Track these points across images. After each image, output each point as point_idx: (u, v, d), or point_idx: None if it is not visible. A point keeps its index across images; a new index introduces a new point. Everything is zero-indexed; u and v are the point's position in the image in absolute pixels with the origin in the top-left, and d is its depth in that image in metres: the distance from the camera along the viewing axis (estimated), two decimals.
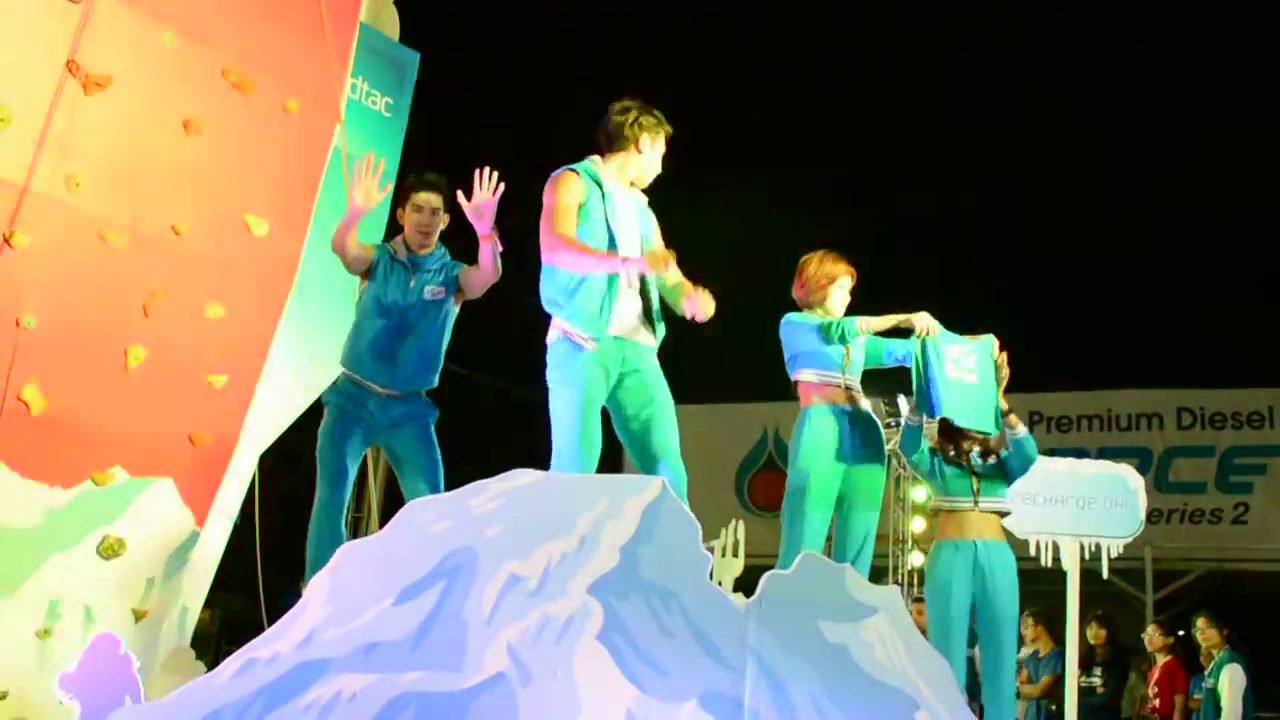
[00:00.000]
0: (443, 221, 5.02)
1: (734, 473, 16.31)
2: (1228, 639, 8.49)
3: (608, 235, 4.34)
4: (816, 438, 5.15)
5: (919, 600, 10.03)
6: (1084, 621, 8.18)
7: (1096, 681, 9.01)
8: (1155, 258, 17.83)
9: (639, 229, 4.49)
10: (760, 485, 15.94)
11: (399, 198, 5.12)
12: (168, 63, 4.78)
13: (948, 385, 5.24)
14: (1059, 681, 8.75)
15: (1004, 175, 17.84)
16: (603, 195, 4.38)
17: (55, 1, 4.48)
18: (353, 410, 4.89)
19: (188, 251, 4.84)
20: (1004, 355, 5.44)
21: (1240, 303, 17.06)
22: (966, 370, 5.30)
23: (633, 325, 4.39)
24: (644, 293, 4.43)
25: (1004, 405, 5.43)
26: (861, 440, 5.20)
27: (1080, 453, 11.91)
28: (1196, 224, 17.37)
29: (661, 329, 4.50)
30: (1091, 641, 9.28)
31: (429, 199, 4.97)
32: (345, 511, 5.09)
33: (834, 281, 5.34)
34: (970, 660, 6.11)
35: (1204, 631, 8.56)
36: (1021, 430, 5.49)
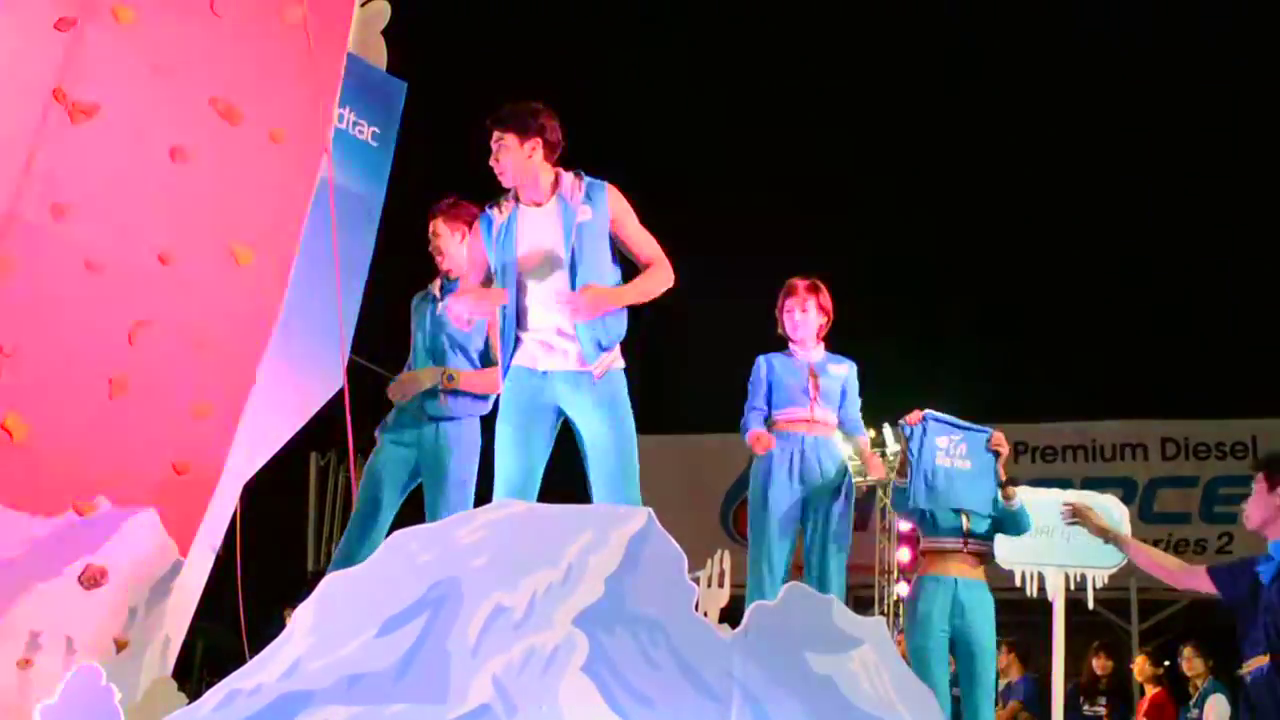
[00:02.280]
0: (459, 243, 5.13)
1: (719, 503, 16.30)
2: (1213, 670, 8.48)
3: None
4: (766, 468, 5.21)
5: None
6: (1069, 651, 8.18)
7: (1101, 711, 9.04)
8: (1139, 288, 17.93)
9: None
10: (745, 516, 15.91)
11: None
12: (154, 91, 4.78)
13: (936, 474, 5.41)
14: (1025, 708, 8.77)
15: (987, 206, 17.94)
16: None
17: (42, 28, 4.49)
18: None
19: (173, 280, 4.83)
20: (1000, 437, 5.59)
21: (1223, 334, 17.16)
22: (958, 458, 5.45)
23: None
24: None
25: (1002, 476, 5.54)
26: (814, 463, 5.23)
27: (1064, 483, 11.93)
28: (1181, 255, 17.48)
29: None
30: (1098, 672, 9.35)
31: (433, 225, 5.10)
32: None
33: (781, 305, 5.43)
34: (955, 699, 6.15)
35: (1190, 661, 8.56)
36: (1017, 503, 5.59)
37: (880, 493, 13.46)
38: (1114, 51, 17.69)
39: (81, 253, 4.58)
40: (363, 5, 6.34)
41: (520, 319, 4.33)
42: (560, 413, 4.34)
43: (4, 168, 4.36)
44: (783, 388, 5.30)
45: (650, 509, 3.23)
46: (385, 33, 6.63)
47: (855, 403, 5.49)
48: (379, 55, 6.57)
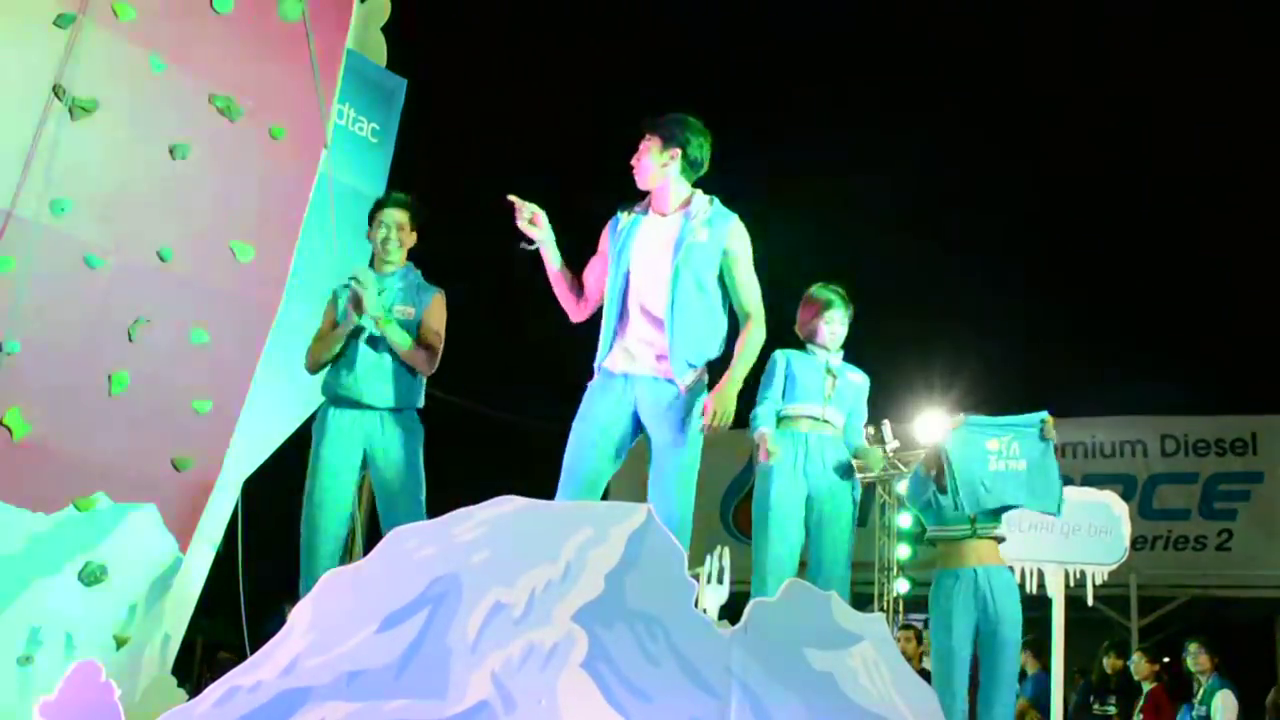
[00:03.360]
0: (409, 239, 5.06)
1: (719, 499, 16.30)
2: (1218, 666, 8.48)
3: None
4: (778, 463, 5.19)
5: (905, 628, 10.04)
6: (1068, 647, 8.20)
7: (1111, 710, 9.07)
8: (1138, 284, 17.93)
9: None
10: (745, 513, 15.87)
11: (369, 219, 5.16)
12: (154, 88, 4.79)
13: (994, 478, 5.32)
14: (1034, 705, 8.79)
15: (984, 203, 17.94)
16: None
17: (42, 26, 4.49)
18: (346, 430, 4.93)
19: (173, 277, 4.84)
20: (1051, 421, 5.56)
21: (1223, 330, 17.17)
22: (1011, 459, 5.36)
23: None
24: None
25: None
26: (820, 462, 5.22)
27: (1064, 480, 11.93)
28: (1182, 251, 17.48)
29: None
30: (1108, 671, 9.39)
31: (390, 214, 5.04)
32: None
33: (819, 314, 5.37)
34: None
35: (1196, 658, 8.53)
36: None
37: (880, 489, 13.47)
38: (1088, 42, 17.71)
39: (81, 249, 4.58)
40: (363, 2, 6.34)
41: (621, 323, 4.39)
42: (638, 418, 4.39)
43: (4, 164, 4.35)
44: (799, 383, 5.29)
45: (650, 505, 3.23)
46: (385, 29, 6.63)
47: (862, 416, 5.49)
48: (379, 52, 6.57)
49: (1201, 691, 8.45)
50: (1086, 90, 18.38)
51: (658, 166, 4.41)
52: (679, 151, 4.42)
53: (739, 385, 4.37)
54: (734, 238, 4.43)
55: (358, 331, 4.92)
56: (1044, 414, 5.54)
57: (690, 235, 4.35)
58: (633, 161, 4.47)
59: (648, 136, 4.42)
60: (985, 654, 5.44)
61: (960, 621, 5.38)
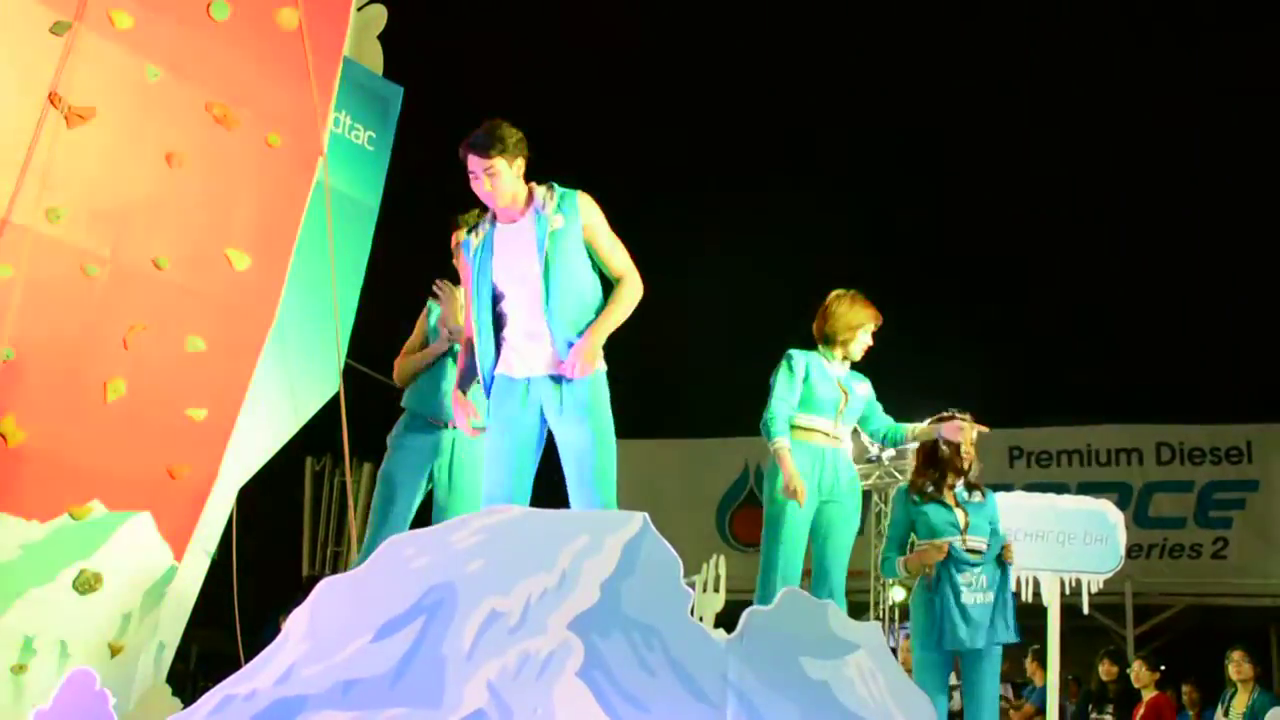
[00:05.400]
0: None
1: (715, 508, 16.30)
2: (1259, 677, 8.38)
3: None
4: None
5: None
6: (1064, 655, 8.19)
7: (1109, 718, 9.05)
8: (1134, 293, 17.95)
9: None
10: (742, 521, 15.93)
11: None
12: (150, 96, 4.79)
13: (967, 610, 5.37)
14: (1040, 712, 8.77)
15: (982, 210, 17.96)
16: None
17: (38, 33, 4.48)
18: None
19: (169, 285, 4.83)
20: (1009, 548, 5.59)
21: (1218, 339, 17.19)
22: (979, 591, 5.40)
23: None
24: None
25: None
26: (834, 477, 5.22)
27: (1060, 487, 11.96)
28: (1177, 260, 17.51)
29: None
30: (1104, 678, 9.39)
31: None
32: None
33: (861, 327, 5.37)
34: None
35: (1240, 666, 8.35)
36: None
37: (875, 498, 13.47)
38: (1084, 59, 17.75)
39: (77, 257, 4.58)
40: (359, 10, 6.34)
41: (498, 330, 4.37)
42: (544, 417, 4.36)
43: (1, 171, 4.35)
44: (817, 395, 5.27)
45: (645, 513, 3.22)
46: (381, 37, 6.63)
47: (876, 407, 5.50)
48: (375, 60, 6.57)
49: (1248, 700, 8.26)
50: (1077, 89, 18.42)
51: (513, 181, 4.33)
52: (523, 159, 4.37)
53: (605, 333, 4.32)
54: (586, 209, 4.39)
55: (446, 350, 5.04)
56: (1002, 541, 5.57)
57: (548, 226, 4.31)
58: (483, 189, 4.33)
59: (487, 158, 4.29)
60: (967, 663, 5.47)
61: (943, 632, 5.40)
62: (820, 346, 5.41)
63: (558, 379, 4.28)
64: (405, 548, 3.05)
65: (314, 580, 3.42)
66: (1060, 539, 7.51)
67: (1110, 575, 7.68)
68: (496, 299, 4.38)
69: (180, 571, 4.99)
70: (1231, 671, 8.45)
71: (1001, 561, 5.50)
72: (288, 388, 5.34)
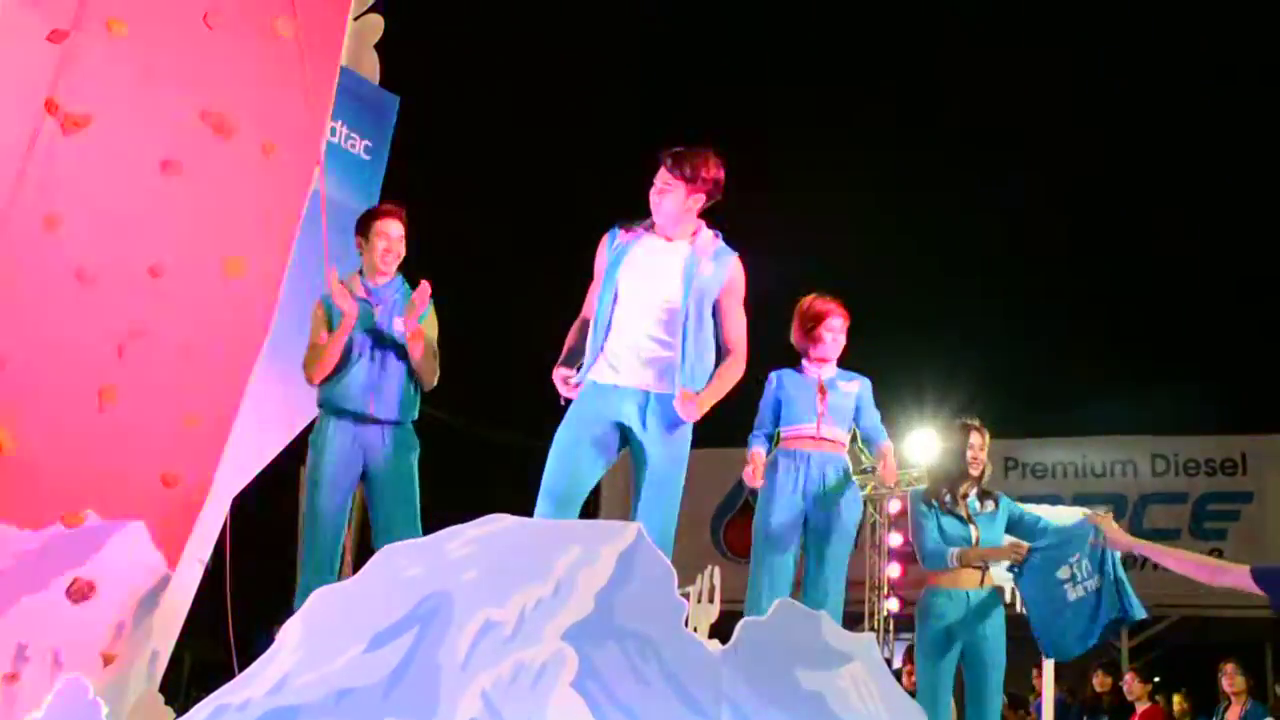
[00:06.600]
0: (403, 250, 5.12)
1: (709, 519, 16.28)
2: (1252, 689, 8.39)
3: None
4: (771, 484, 5.19)
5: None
6: (1060, 667, 8.18)
7: None
8: (1130, 304, 17.98)
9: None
10: (735, 531, 15.91)
11: (358, 230, 5.17)
12: (147, 103, 4.78)
13: (1065, 609, 5.28)
14: None
15: (980, 220, 17.98)
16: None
17: (34, 39, 4.48)
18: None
19: (164, 293, 4.82)
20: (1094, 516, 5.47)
21: (1214, 350, 17.21)
22: (1086, 579, 5.30)
23: None
24: None
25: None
26: (819, 477, 5.20)
27: (1055, 499, 11.95)
28: (1171, 270, 17.53)
29: None
30: (1098, 689, 9.39)
31: (394, 225, 5.08)
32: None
33: (820, 322, 5.34)
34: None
35: (1233, 678, 8.40)
36: None
37: (871, 508, 13.46)
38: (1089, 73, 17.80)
39: (72, 264, 4.57)
40: (356, 19, 6.35)
41: (608, 336, 4.39)
42: (621, 428, 4.38)
43: None
44: (791, 404, 5.27)
45: (640, 524, 3.22)
46: (378, 47, 6.64)
47: (874, 414, 5.45)
48: (372, 69, 6.58)
49: (1240, 713, 8.27)
50: (1079, 104, 18.47)
51: (681, 210, 4.42)
52: (704, 195, 4.44)
53: (716, 398, 4.41)
54: (734, 272, 4.50)
55: (352, 343, 4.93)
56: (1084, 517, 5.45)
57: (696, 267, 4.38)
58: (652, 194, 4.45)
59: (671, 173, 4.40)
60: (970, 674, 5.46)
61: (950, 640, 5.39)
62: (801, 356, 5.43)
63: (649, 396, 4.34)
64: (399, 557, 3.05)
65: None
66: None
67: None
68: (615, 303, 4.41)
69: (174, 580, 4.98)
70: (1224, 684, 8.47)
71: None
72: (282, 396, 5.33)
